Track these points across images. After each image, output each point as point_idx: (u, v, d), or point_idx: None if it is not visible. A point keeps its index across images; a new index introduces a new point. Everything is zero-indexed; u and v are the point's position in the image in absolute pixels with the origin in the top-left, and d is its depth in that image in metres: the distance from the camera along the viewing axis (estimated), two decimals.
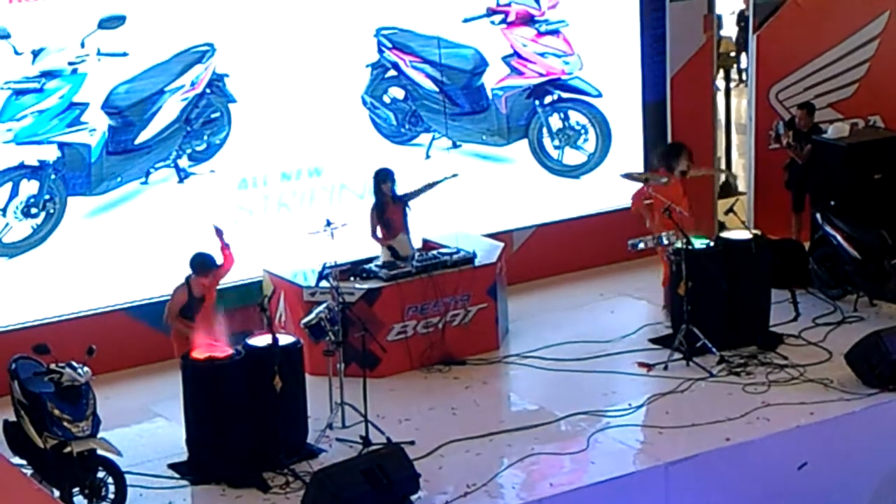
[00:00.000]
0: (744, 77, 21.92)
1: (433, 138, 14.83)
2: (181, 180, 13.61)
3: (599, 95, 15.66)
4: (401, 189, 13.47)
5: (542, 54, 15.32)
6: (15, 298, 12.92)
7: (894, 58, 16.32)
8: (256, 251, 13.67)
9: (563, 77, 15.46)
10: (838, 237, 14.14)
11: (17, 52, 12.63)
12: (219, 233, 12.08)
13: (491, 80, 15.10)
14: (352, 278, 13.02)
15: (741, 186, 17.31)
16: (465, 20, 14.74)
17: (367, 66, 14.46)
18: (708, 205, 15.81)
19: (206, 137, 13.68)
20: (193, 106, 13.57)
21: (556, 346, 13.44)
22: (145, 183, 13.43)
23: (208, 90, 13.61)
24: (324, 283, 12.22)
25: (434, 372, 13.12)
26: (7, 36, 12.55)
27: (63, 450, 10.26)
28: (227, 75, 13.69)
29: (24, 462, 10.61)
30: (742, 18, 23.11)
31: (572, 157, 15.69)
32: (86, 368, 10.48)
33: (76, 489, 10.36)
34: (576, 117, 15.63)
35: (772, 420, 11.74)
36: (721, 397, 12.25)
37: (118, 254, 13.33)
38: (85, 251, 13.20)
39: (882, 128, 16.33)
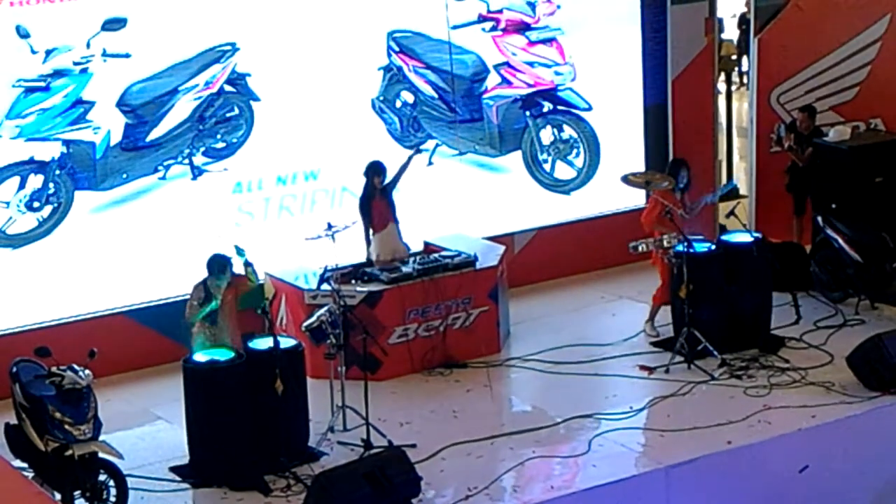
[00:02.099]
0: (745, 80, 21.91)
1: (436, 145, 14.80)
2: (195, 177, 13.63)
3: (589, 109, 15.56)
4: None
5: (531, 64, 15.22)
6: (21, 296, 12.92)
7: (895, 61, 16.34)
8: (259, 253, 13.66)
9: (554, 88, 15.32)
10: (840, 240, 14.13)
11: (33, 52, 12.69)
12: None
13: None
14: (353, 281, 13.00)
15: (742, 190, 17.30)
16: (454, 27, 14.59)
17: (379, 69, 14.45)
18: (708, 208, 15.79)
19: (219, 136, 13.69)
20: (208, 105, 13.57)
21: (557, 349, 13.43)
22: (164, 178, 13.45)
23: (230, 88, 13.61)
24: (325, 287, 12.23)
25: (435, 375, 13.12)
26: (27, 35, 12.61)
27: (64, 453, 10.25)
28: (248, 74, 13.69)
29: (25, 465, 10.61)
30: (743, 21, 23.13)
31: (563, 171, 15.60)
32: (87, 371, 10.48)
33: (77, 492, 10.35)
34: (567, 131, 15.53)
35: (773, 423, 11.74)
36: (722, 400, 12.24)
37: (124, 252, 13.32)
38: (92, 248, 13.19)
39: (883, 131, 16.31)
